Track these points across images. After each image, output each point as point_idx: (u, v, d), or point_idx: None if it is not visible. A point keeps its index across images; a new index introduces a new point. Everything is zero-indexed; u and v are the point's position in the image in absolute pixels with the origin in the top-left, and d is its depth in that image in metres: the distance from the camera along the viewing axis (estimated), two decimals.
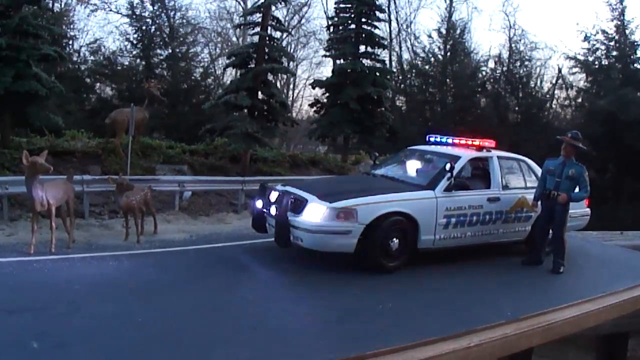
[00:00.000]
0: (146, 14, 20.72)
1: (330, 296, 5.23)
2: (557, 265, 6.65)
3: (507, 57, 25.30)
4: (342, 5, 12.81)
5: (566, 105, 26.48)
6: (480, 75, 25.02)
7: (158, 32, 21.09)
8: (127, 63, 20.60)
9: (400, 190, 6.37)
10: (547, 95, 25.97)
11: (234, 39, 25.61)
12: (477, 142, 7.27)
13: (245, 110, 10.54)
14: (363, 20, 12.59)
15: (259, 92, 10.69)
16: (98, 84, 20.58)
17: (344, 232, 5.77)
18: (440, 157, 7.04)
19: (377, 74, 12.78)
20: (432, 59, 24.68)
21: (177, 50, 21.29)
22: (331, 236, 5.78)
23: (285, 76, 23.72)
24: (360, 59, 12.71)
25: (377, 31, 12.91)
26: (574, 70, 25.22)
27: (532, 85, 25.49)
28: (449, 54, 24.79)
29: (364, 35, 12.66)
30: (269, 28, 10.66)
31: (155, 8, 20.88)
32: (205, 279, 5.60)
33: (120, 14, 21.61)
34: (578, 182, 6.60)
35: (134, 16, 20.54)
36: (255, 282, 5.64)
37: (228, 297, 5.01)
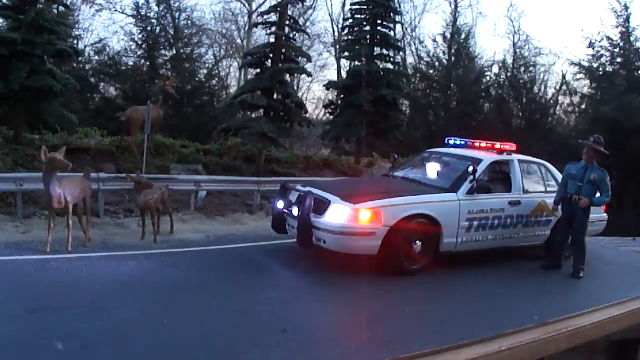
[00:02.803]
0: (151, 14, 20.86)
1: (355, 298, 5.19)
2: (577, 270, 6.62)
3: (512, 63, 25.37)
4: (358, 7, 12.75)
5: (570, 111, 26.53)
6: (484, 80, 25.06)
7: (163, 33, 21.10)
8: (131, 63, 20.62)
9: (423, 192, 6.33)
10: (551, 101, 26.01)
11: (239, 41, 25.64)
12: (498, 145, 7.25)
13: (262, 111, 10.47)
14: (379, 22, 12.55)
15: (275, 93, 10.63)
16: (102, 84, 20.53)
17: (368, 234, 5.73)
18: (461, 159, 7.01)
19: (392, 76, 12.73)
20: (437, 64, 24.70)
21: (182, 51, 21.28)
22: (355, 238, 5.73)
23: (289, 78, 23.73)
24: (375, 61, 12.66)
25: (392, 33, 12.84)
26: (579, 76, 25.29)
27: (536, 91, 25.54)
28: (453, 58, 24.83)
29: (378, 37, 12.61)
30: (286, 28, 10.60)
31: (161, 9, 20.94)
32: (226, 279, 5.54)
33: (126, 14, 21.67)
34: (599, 187, 6.58)
35: (139, 17, 20.61)
36: (277, 283, 5.58)
37: (252, 298, 4.94)
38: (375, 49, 12.84)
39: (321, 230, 5.84)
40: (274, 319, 4.44)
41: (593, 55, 24.17)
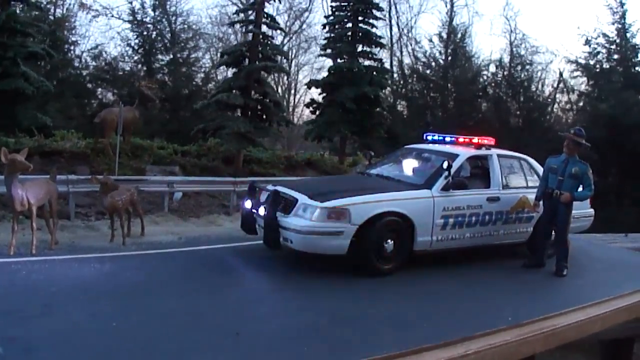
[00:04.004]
0: (147, 19, 20.67)
1: (320, 300, 4.95)
2: (560, 268, 6.36)
3: (508, 62, 25.21)
4: (338, 4, 12.53)
5: (567, 109, 26.29)
6: (481, 79, 24.90)
7: (159, 38, 20.92)
8: (128, 68, 20.45)
9: (395, 189, 6.10)
10: (549, 99, 25.82)
11: (236, 44, 25.39)
12: (475, 139, 7.01)
13: (239, 110, 10.25)
14: (360, 18, 12.32)
15: (253, 91, 10.42)
16: (99, 89, 20.36)
17: (335, 233, 5.49)
18: (438, 155, 6.76)
19: (375, 73, 12.49)
20: (433, 64, 24.58)
21: (179, 55, 21.10)
22: (322, 237, 5.50)
23: (286, 81, 23.60)
24: (358, 58, 12.43)
25: (374, 30, 12.62)
26: (575, 74, 25.09)
27: (534, 90, 25.34)
28: (449, 58, 24.68)
29: (360, 33, 12.37)
30: (263, 26, 10.40)
31: (157, 13, 20.82)
32: (188, 281, 5.31)
33: (122, 19, 21.54)
34: (582, 181, 6.32)
35: (135, 22, 20.46)
36: (240, 285, 5.35)
37: (211, 300, 4.73)
38: (358, 46, 12.59)
39: (288, 229, 5.62)
40: (229, 321, 4.24)
41: (589, 52, 23.99)
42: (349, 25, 12.44)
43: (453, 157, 6.47)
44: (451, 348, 4.08)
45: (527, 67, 25.18)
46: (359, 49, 12.66)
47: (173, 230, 7.73)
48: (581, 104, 25.06)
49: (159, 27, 20.81)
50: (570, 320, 5.01)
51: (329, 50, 13.14)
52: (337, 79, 12.18)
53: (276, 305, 4.80)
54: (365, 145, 12.51)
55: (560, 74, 25.50)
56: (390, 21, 25.47)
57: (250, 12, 10.59)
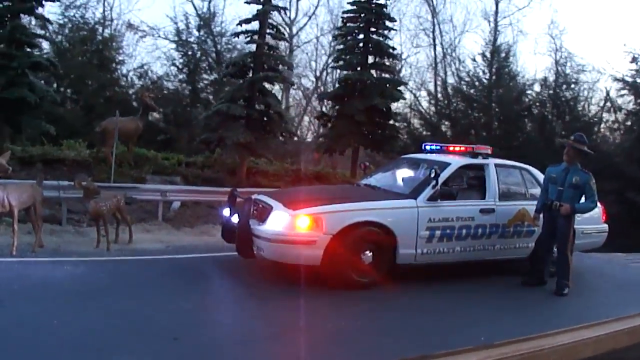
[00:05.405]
0: (192, 39, 20.88)
1: (278, 311, 4.72)
2: (560, 286, 5.85)
3: (554, 81, 24.34)
4: (349, 15, 12.37)
5: (615, 128, 25.11)
6: (525, 99, 24.17)
7: (204, 57, 21.04)
8: (173, 87, 20.68)
9: (377, 198, 5.80)
10: (595, 119, 24.76)
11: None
12: (471, 148, 6.63)
13: (243, 121, 10.17)
14: (372, 29, 12.10)
15: (256, 102, 10.33)
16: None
17: (307, 242, 5.23)
18: (430, 164, 6.40)
19: (387, 85, 12.19)
20: (477, 83, 24.06)
21: (222, 74, 21.11)
22: (293, 246, 5.25)
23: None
24: (370, 70, 12.18)
25: (387, 41, 12.33)
26: (622, 92, 23.96)
27: (579, 109, 24.39)
28: (493, 77, 24.10)
29: (371, 44, 12.13)
30: (267, 36, 10.35)
31: (201, 33, 20.96)
32: (153, 288, 5.19)
33: (169, 39, 21.81)
34: (584, 191, 5.83)
35: (180, 41, 20.72)
36: (203, 293, 5.16)
37: (166, 306, 4.59)
38: (370, 57, 12.34)
39: (260, 238, 5.40)
40: (173, 327, 4.10)
41: (637, 70, 22.90)
42: (361, 36, 12.23)
43: (444, 166, 6.12)
44: None
45: (573, 86, 24.29)
46: (370, 60, 12.39)
47: (164, 239, 7.63)
48: (629, 123, 23.88)
49: (203, 47, 20.97)
50: (555, 343, 4.50)
51: (339, 62, 12.96)
52: (347, 91, 11.95)
53: (230, 314, 4.64)
54: (372, 159, 12.19)
55: (607, 93, 24.45)
56: (434, 41, 25.46)
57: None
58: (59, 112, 14.98)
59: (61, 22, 17.88)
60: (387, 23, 12.19)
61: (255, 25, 10.41)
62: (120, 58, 19.61)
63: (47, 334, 3.80)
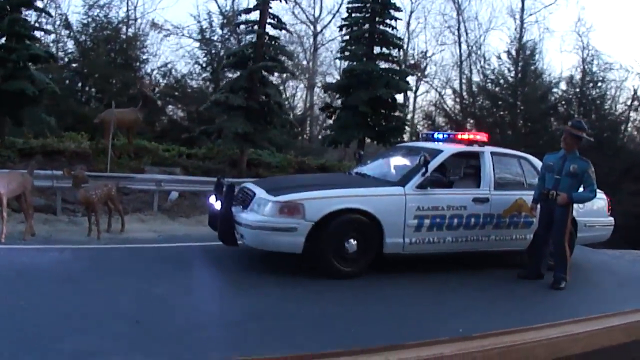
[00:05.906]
0: (215, 37, 20.80)
1: (254, 298, 4.58)
2: (557, 280, 5.59)
3: (580, 79, 23.69)
4: (355, 5, 12.15)
5: None
6: (551, 97, 23.58)
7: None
8: (196, 85, 20.65)
9: (362, 185, 5.62)
10: (622, 118, 24.02)
11: (304, 62, 25.28)
12: (466, 135, 6.39)
13: (242, 112, 10.06)
14: (378, 19, 11.85)
15: (255, 93, 10.21)
16: (170, 106, 20.41)
17: (288, 229, 5.09)
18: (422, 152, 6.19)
19: (393, 75, 11.94)
20: (502, 81, 23.61)
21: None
22: (273, 233, 5.11)
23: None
24: (375, 60, 11.94)
25: (393, 31, 12.05)
26: None
27: (606, 108, 23.66)
28: (519, 75, 23.59)
29: (377, 35, 11.88)
30: (267, 26, 10.22)
31: (225, 32, 20.85)
32: (129, 275, 5.06)
33: (192, 38, 21.72)
34: (582, 180, 5.54)
35: (204, 40, 20.65)
36: (181, 280, 5.03)
37: (136, 291, 4.51)
38: (375, 48, 12.09)
39: (241, 225, 5.29)
40: (139, 311, 4.04)
41: None
42: (366, 26, 11.99)
43: (435, 153, 5.89)
44: (366, 357, 3.53)
45: (600, 84, 23.58)
46: (377, 51, 12.14)
47: (157, 228, 7.58)
48: None
49: (227, 45, 20.71)
50: (539, 337, 4.25)
51: (344, 53, 12.74)
52: (352, 82, 11.73)
53: (205, 300, 4.52)
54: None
55: (635, 91, 23.69)
56: (459, 39, 25.09)
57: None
58: (84, 111, 15.14)
59: (85, 21, 18.04)
60: (393, 12, 11.91)
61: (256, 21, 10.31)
62: (144, 57, 19.66)
63: (5, 315, 3.78)
